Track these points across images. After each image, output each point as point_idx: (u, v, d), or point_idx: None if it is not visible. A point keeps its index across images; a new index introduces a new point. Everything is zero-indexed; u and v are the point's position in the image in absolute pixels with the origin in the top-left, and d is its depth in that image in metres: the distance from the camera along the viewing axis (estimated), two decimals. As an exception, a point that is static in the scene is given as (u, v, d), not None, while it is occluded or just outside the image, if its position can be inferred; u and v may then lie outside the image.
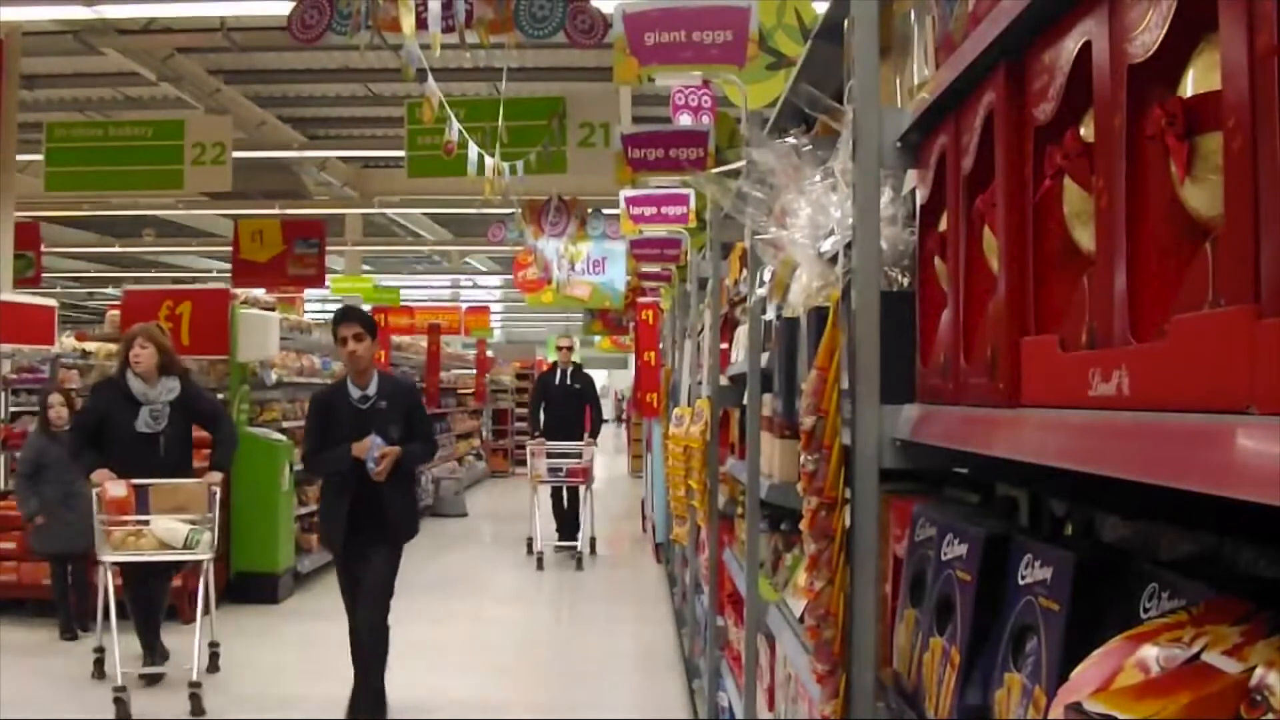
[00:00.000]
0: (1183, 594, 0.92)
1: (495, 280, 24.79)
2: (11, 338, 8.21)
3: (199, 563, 5.55)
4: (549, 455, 10.13)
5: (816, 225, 1.92)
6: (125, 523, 5.36)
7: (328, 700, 5.55)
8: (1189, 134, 0.79)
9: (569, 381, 10.31)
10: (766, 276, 2.72)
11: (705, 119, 6.26)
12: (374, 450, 4.78)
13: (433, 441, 5.47)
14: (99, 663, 5.68)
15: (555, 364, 10.62)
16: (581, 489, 10.18)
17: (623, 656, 6.79)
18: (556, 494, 10.43)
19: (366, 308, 17.98)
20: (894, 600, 1.62)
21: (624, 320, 16.97)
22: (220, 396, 8.15)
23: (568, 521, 10.41)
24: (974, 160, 1.27)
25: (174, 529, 5.42)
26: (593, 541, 10.37)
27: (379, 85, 12.11)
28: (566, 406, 10.28)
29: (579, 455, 10.16)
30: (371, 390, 4.96)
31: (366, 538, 4.88)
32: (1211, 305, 0.74)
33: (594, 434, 10.46)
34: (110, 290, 22.30)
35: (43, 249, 13.38)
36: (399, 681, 6.00)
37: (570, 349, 10.59)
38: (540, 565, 9.70)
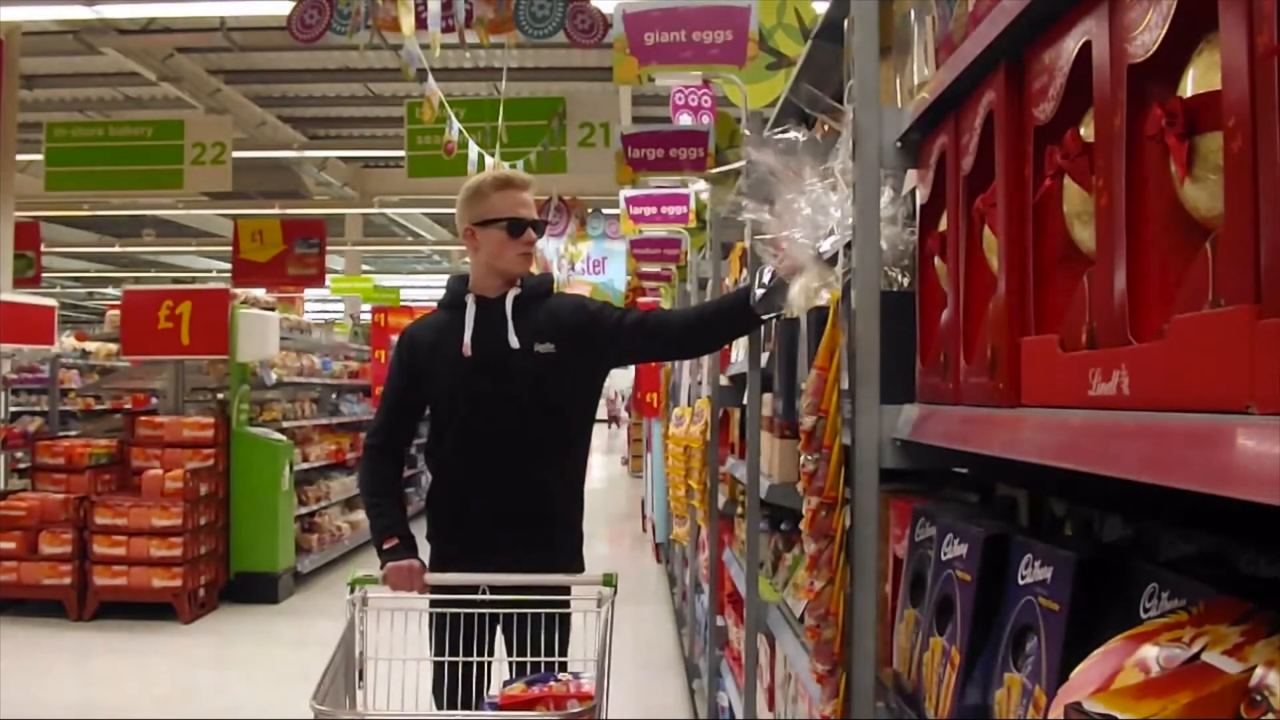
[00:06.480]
0: (1183, 594, 0.92)
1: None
2: (11, 338, 8.20)
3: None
4: (439, 677, 2.64)
5: (816, 225, 1.92)
6: None
7: (328, 700, 5.55)
8: (1189, 134, 0.79)
9: (525, 337, 2.70)
10: (766, 277, 2.71)
11: (705, 119, 6.25)
12: None
13: None
14: None
15: (458, 281, 2.82)
16: None
17: (623, 656, 6.77)
18: None
19: (366, 307, 18.05)
20: (894, 600, 1.62)
21: (624, 320, 16.91)
22: (220, 396, 8.16)
23: None
24: (974, 160, 1.27)
25: None
26: None
27: (379, 85, 12.11)
28: (513, 423, 2.69)
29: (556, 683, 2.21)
30: None
31: None
32: (1211, 305, 0.74)
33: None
34: (110, 290, 22.33)
35: (43, 249, 13.38)
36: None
37: (521, 182, 2.86)
38: None
